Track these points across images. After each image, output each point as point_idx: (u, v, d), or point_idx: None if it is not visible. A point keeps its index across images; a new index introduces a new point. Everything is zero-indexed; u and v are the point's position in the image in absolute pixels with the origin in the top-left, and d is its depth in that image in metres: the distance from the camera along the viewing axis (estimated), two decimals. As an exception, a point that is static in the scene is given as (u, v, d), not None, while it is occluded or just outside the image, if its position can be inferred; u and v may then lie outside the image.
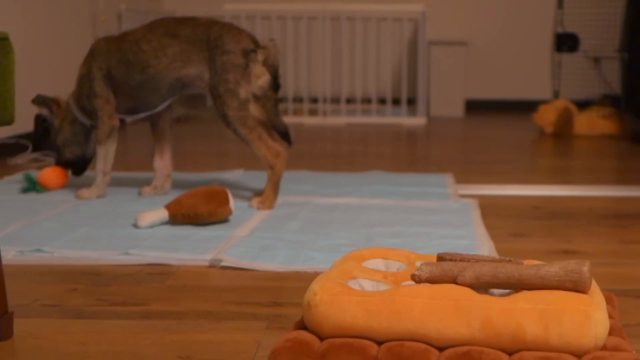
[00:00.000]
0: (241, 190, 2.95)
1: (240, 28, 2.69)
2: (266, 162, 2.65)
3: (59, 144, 2.91)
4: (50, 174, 2.92)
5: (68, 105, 2.87)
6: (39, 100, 2.89)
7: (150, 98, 2.74)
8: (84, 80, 2.78)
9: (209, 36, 2.64)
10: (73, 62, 4.62)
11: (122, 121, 2.88)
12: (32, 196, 2.84)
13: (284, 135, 2.74)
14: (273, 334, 1.55)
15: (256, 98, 2.65)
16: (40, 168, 3.50)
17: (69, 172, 3.01)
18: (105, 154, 2.80)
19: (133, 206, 2.68)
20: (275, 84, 2.66)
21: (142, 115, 2.83)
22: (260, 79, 2.63)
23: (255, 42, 2.66)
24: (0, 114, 1.49)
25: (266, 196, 2.66)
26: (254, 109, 2.65)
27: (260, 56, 2.64)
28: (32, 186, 2.89)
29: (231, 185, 3.07)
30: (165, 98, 2.75)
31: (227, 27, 2.66)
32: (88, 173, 3.34)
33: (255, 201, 2.66)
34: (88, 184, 3.06)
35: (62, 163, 2.95)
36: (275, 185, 2.67)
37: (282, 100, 6.42)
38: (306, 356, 1.27)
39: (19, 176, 3.24)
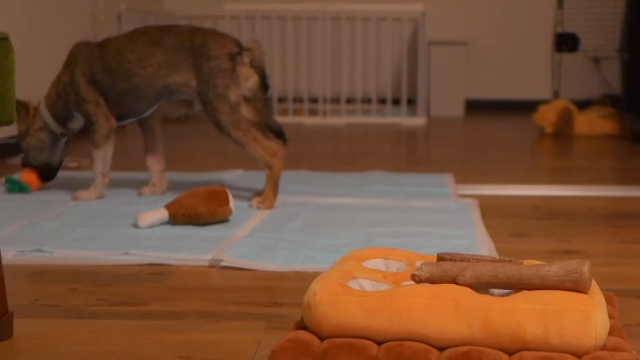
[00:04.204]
0: (241, 190, 2.95)
1: (223, 32, 2.70)
2: (264, 162, 2.65)
3: (24, 148, 2.89)
4: (32, 173, 2.91)
5: (37, 111, 2.84)
6: None
7: (137, 105, 2.73)
8: (67, 88, 2.75)
9: (193, 43, 2.64)
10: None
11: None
12: (32, 196, 2.84)
13: (279, 134, 2.74)
14: (273, 334, 1.55)
15: (246, 100, 2.66)
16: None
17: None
18: (103, 156, 2.79)
19: (133, 206, 2.68)
20: (264, 84, 2.67)
21: (129, 121, 2.81)
22: (249, 80, 2.64)
23: (239, 45, 2.67)
24: (0, 114, 1.49)
25: (266, 196, 2.66)
26: (245, 111, 2.65)
27: (246, 58, 2.64)
28: (17, 186, 2.89)
29: (231, 185, 3.07)
30: (152, 104, 2.75)
31: (210, 32, 2.67)
32: (84, 175, 3.34)
33: (255, 201, 2.66)
34: (85, 185, 3.07)
35: (27, 167, 2.92)
36: (274, 185, 2.67)
37: (282, 100, 6.42)
38: (306, 356, 1.27)
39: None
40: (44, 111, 2.82)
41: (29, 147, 2.87)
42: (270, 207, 2.65)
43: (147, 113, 2.79)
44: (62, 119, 2.81)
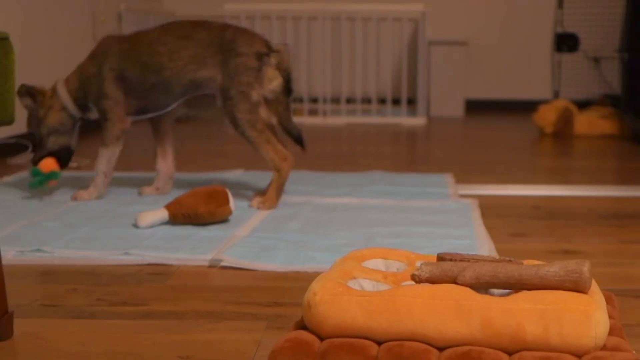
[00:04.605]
0: (241, 190, 2.95)
1: (254, 32, 2.69)
2: (273, 165, 2.64)
3: (43, 134, 2.79)
4: (51, 160, 2.79)
5: (55, 93, 2.78)
6: (24, 91, 2.75)
7: (163, 99, 2.71)
8: (92, 80, 2.72)
9: (223, 39, 2.64)
10: (73, 62, 4.62)
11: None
12: (32, 196, 2.84)
13: (297, 139, 2.74)
14: (273, 334, 1.55)
15: (268, 102, 2.65)
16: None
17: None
18: (109, 156, 2.76)
19: (133, 206, 2.68)
20: (287, 88, 2.66)
21: (150, 115, 2.80)
22: (273, 82, 2.63)
23: (269, 46, 2.66)
24: (0, 114, 1.49)
25: (268, 197, 2.66)
26: (265, 113, 2.65)
27: (273, 59, 2.63)
28: (44, 177, 2.75)
29: (231, 185, 3.07)
30: (177, 99, 2.73)
31: (241, 30, 2.67)
32: (85, 175, 3.34)
33: (257, 201, 2.66)
34: (86, 186, 3.07)
35: (44, 155, 2.80)
36: (279, 188, 2.66)
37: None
38: (306, 356, 1.27)
39: (17, 176, 3.24)
40: (64, 93, 2.76)
41: (50, 130, 2.78)
42: (271, 208, 2.65)
43: (170, 108, 2.78)
44: (81, 107, 2.78)
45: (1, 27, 3.76)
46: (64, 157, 2.83)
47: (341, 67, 5.77)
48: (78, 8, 4.73)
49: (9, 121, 1.51)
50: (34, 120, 2.81)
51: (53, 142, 2.81)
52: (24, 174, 3.29)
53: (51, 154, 2.81)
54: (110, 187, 3.01)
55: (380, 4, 6.35)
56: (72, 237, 2.26)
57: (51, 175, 2.77)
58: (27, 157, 3.72)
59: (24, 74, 4.01)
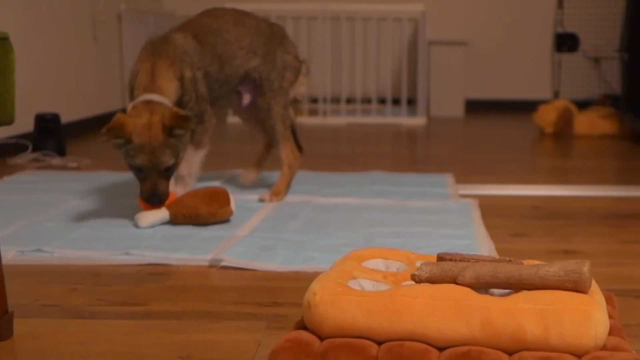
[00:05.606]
0: (242, 191, 2.95)
1: None
2: (287, 161, 2.79)
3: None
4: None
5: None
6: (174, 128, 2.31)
7: (227, 91, 2.70)
8: (189, 85, 2.45)
9: (272, 32, 2.75)
10: (73, 62, 4.62)
11: None
12: (32, 196, 2.84)
13: (297, 141, 2.90)
14: (273, 334, 1.55)
15: (293, 103, 2.82)
16: (40, 168, 3.50)
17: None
18: (202, 158, 2.60)
19: (133, 206, 2.68)
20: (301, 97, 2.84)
21: None
22: (301, 87, 2.81)
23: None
24: (0, 114, 1.49)
25: (280, 189, 2.78)
26: (291, 112, 2.81)
27: (304, 68, 2.82)
28: None
29: (232, 185, 3.07)
30: (231, 91, 2.75)
31: (285, 31, 2.82)
32: (85, 175, 3.34)
33: (269, 194, 2.76)
34: (85, 186, 3.06)
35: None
36: (289, 182, 2.80)
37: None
38: (306, 356, 1.27)
39: (19, 176, 3.24)
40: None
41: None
42: (281, 199, 2.77)
43: (222, 102, 2.74)
44: None
45: (1, 27, 3.76)
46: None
47: (341, 67, 5.77)
48: (78, 8, 4.73)
49: (8, 121, 1.51)
50: (180, 146, 2.36)
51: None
52: (24, 174, 3.28)
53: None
54: (111, 187, 3.01)
55: (380, 4, 6.35)
56: (72, 237, 2.26)
57: None
58: (27, 157, 3.72)
59: (24, 74, 4.01)
